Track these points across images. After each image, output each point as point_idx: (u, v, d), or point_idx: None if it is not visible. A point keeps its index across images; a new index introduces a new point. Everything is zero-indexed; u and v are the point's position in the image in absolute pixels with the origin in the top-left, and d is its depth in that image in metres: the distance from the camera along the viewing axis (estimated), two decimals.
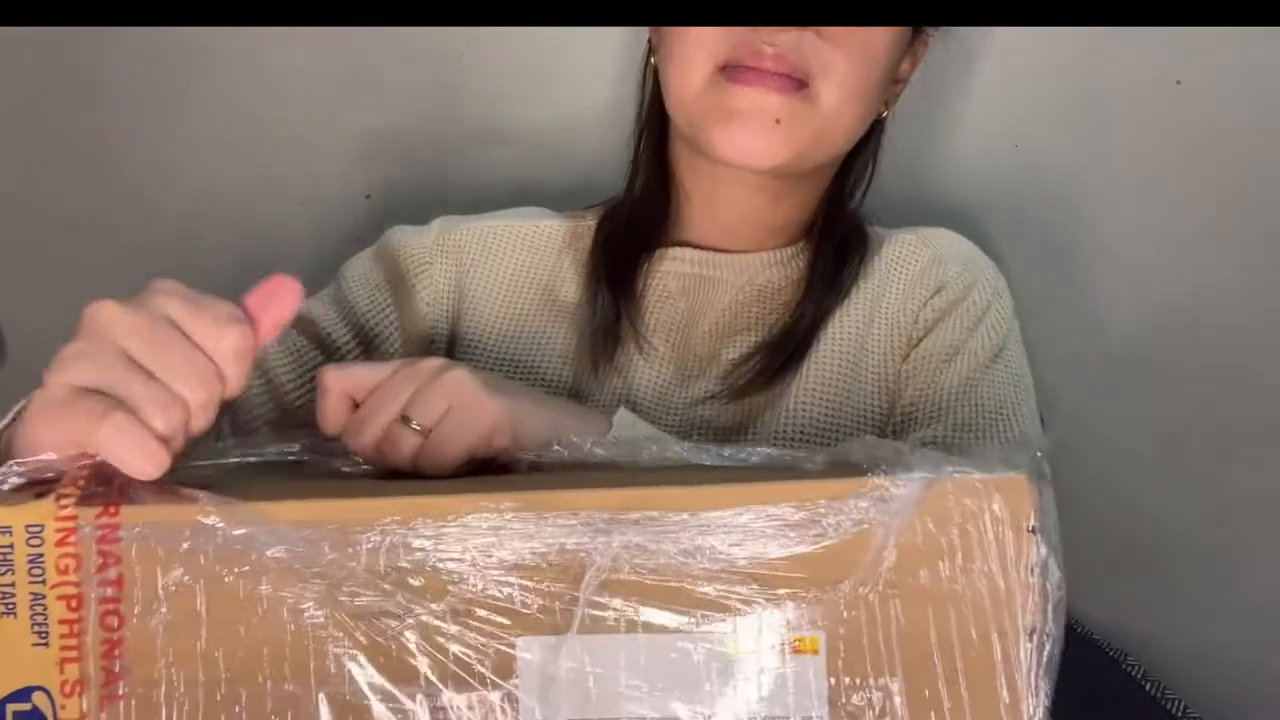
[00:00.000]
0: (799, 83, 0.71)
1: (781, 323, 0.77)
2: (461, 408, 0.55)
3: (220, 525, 0.43)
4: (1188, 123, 0.94)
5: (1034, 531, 0.43)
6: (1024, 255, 0.88)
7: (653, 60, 0.80)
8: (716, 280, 0.79)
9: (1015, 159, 0.97)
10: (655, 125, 0.82)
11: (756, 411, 0.74)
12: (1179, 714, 0.88)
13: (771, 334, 0.76)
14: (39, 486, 0.44)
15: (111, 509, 0.43)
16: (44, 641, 0.43)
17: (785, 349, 0.75)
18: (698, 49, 0.72)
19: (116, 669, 0.43)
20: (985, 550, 0.43)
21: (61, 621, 0.43)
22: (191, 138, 1.01)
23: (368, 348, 0.79)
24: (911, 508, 0.43)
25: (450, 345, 0.80)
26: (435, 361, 0.56)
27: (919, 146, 0.98)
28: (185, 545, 0.43)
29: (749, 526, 0.43)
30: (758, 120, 0.71)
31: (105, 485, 0.44)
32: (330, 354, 0.77)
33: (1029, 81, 0.96)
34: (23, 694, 0.43)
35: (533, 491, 0.44)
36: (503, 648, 0.43)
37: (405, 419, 0.54)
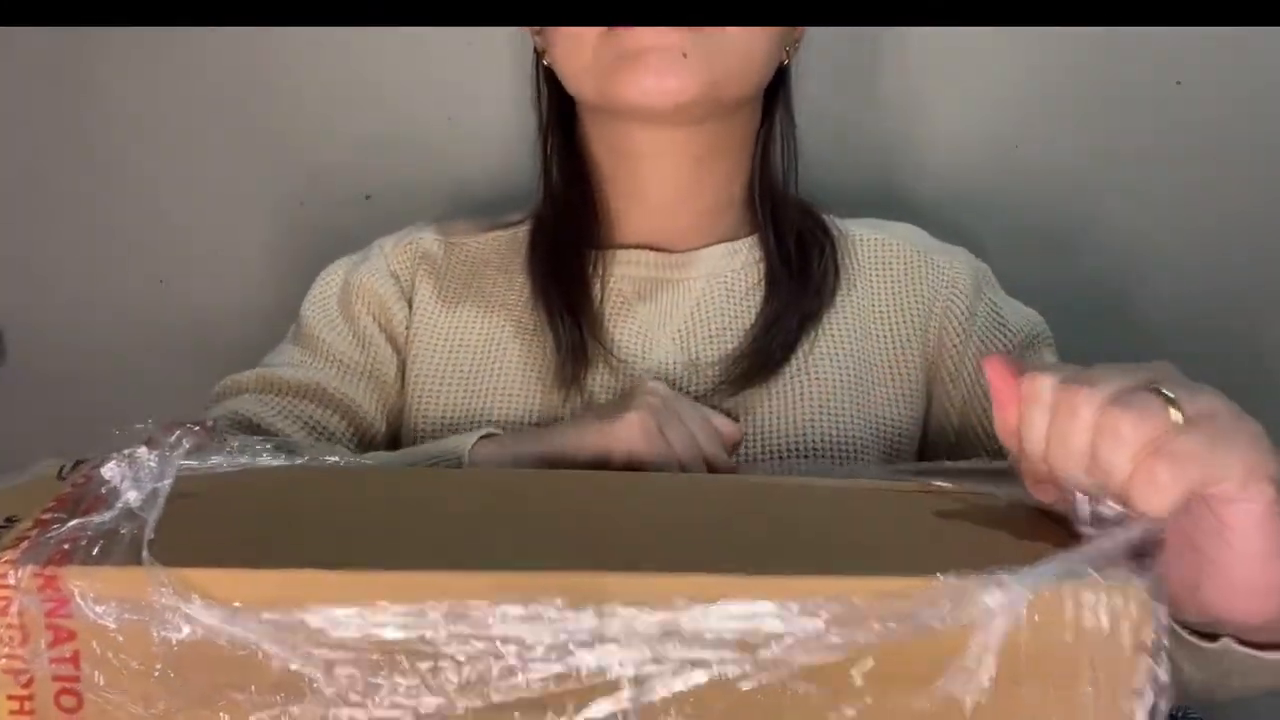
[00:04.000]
0: None
1: (761, 320, 0.74)
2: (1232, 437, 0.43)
3: (192, 604, 0.37)
4: (1188, 123, 0.94)
5: (1149, 650, 0.38)
6: (1023, 255, 0.88)
7: (545, 62, 0.77)
8: (675, 282, 0.76)
9: (1015, 159, 0.97)
10: (558, 124, 0.80)
11: (749, 412, 0.72)
12: (1179, 715, 0.87)
13: (754, 334, 0.74)
14: None
15: (51, 572, 0.38)
16: None
17: (770, 349, 0.72)
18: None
19: None
20: (1095, 665, 0.38)
21: (11, 697, 0.38)
22: (191, 138, 1.01)
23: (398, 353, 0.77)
24: (1015, 611, 0.38)
25: (402, 370, 0.77)
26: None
27: (919, 146, 0.98)
28: (151, 624, 0.37)
29: (826, 618, 0.38)
30: (664, 54, 0.67)
31: (60, 546, 0.39)
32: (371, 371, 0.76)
33: (1029, 81, 0.96)
34: None
35: (573, 574, 0.39)
36: None
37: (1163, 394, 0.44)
